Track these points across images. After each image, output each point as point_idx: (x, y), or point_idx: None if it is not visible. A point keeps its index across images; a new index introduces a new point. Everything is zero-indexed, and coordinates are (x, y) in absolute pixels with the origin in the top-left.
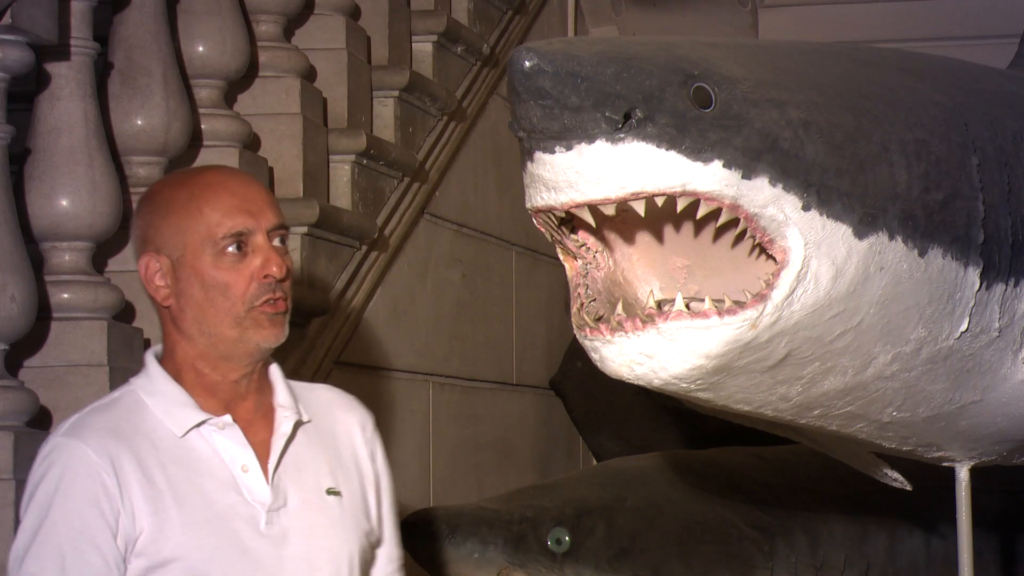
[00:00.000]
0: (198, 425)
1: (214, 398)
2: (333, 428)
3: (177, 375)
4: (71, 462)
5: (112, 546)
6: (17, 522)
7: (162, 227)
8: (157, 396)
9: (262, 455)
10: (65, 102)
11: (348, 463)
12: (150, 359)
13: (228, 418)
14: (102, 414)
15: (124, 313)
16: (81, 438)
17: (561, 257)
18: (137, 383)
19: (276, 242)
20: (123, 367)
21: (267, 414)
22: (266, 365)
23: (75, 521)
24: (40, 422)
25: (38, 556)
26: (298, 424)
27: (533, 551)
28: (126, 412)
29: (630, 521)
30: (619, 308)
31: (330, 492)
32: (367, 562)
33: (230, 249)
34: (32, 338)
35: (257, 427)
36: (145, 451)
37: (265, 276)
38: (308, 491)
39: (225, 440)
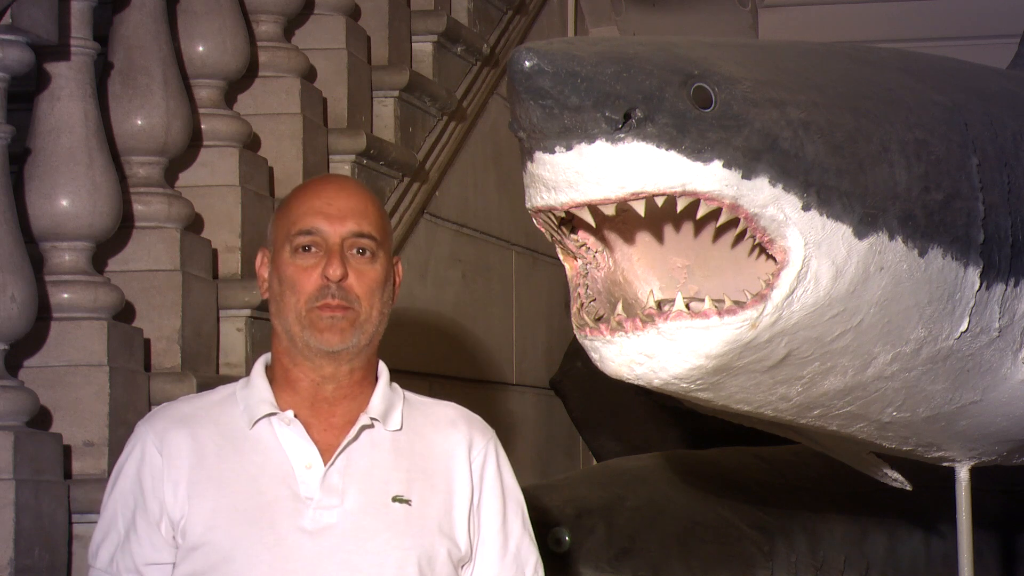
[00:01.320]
0: (266, 417)
1: (296, 395)
2: (432, 441)
3: (272, 368)
4: (135, 446)
5: (151, 529)
6: (17, 521)
7: (271, 223)
8: (247, 390)
9: (328, 456)
10: (65, 102)
11: (436, 477)
12: (259, 360)
13: (290, 414)
14: (185, 403)
15: (124, 313)
16: (150, 424)
17: (561, 257)
18: (240, 381)
19: (355, 251)
20: (123, 367)
21: (353, 420)
22: (364, 376)
23: (128, 500)
24: (40, 422)
25: (101, 528)
26: (364, 428)
27: None
28: (212, 404)
29: (630, 521)
30: (619, 308)
31: (396, 499)
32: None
33: (303, 248)
34: (32, 338)
35: (338, 431)
36: (208, 438)
37: (325, 277)
38: (371, 495)
39: (290, 435)
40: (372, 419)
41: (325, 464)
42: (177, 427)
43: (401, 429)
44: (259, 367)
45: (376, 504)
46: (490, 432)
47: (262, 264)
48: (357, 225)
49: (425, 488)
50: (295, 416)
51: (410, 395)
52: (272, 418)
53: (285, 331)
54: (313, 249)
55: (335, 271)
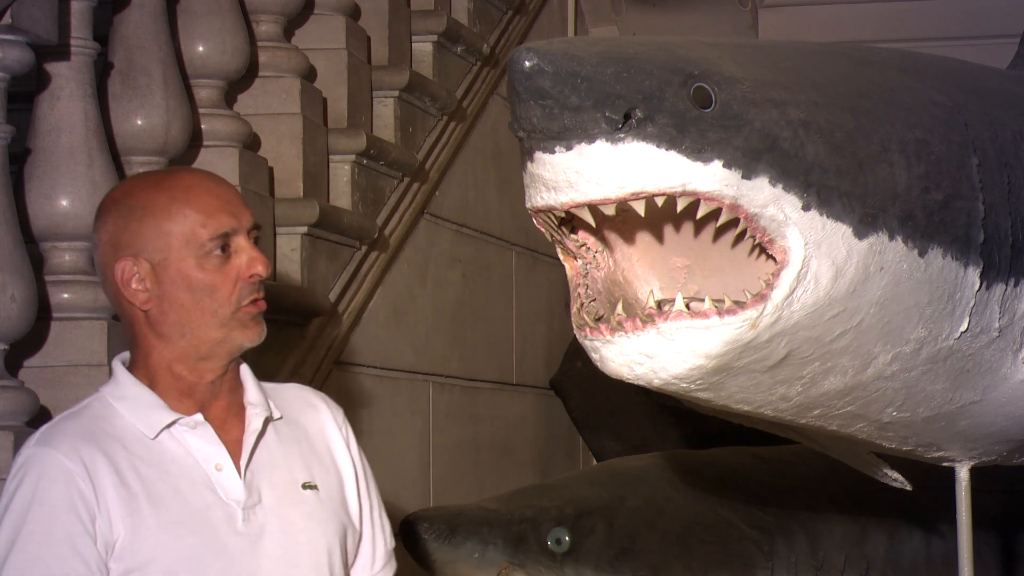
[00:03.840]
0: (169, 426)
1: (189, 399)
2: (305, 424)
3: (151, 379)
4: (45, 470)
5: (93, 551)
6: None
7: (140, 230)
8: (126, 400)
9: (235, 453)
10: (65, 102)
11: (324, 457)
12: (117, 365)
13: (199, 417)
14: (72, 421)
15: None
16: (53, 446)
17: (561, 257)
18: (105, 390)
19: (253, 241)
20: None
21: (239, 412)
22: (237, 364)
23: (56, 528)
24: (40, 422)
25: (17, 567)
26: (268, 420)
27: (533, 551)
28: (96, 418)
29: (630, 521)
30: (619, 308)
31: (306, 486)
32: (348, 556)
33: (216, 251)
34: (32, 338)
35: (229, 425)
36: (118, 454)
37: (251, 276)
38: (283, 486)
39: (197, 439)
40: (266, 411)
41: (236, 462)
42: (84, 445)
43: (282, 417)
44: (126, 374)
45: (291, 495)
46: (337, 405)
47: (136, 277)
48: (253, 216)
49: (321, 471)
50: (204, 419)
51: (261, 382)
52: (172, 425)
53: (193, 337)
54: (227, 250)
55: (267, 268)
